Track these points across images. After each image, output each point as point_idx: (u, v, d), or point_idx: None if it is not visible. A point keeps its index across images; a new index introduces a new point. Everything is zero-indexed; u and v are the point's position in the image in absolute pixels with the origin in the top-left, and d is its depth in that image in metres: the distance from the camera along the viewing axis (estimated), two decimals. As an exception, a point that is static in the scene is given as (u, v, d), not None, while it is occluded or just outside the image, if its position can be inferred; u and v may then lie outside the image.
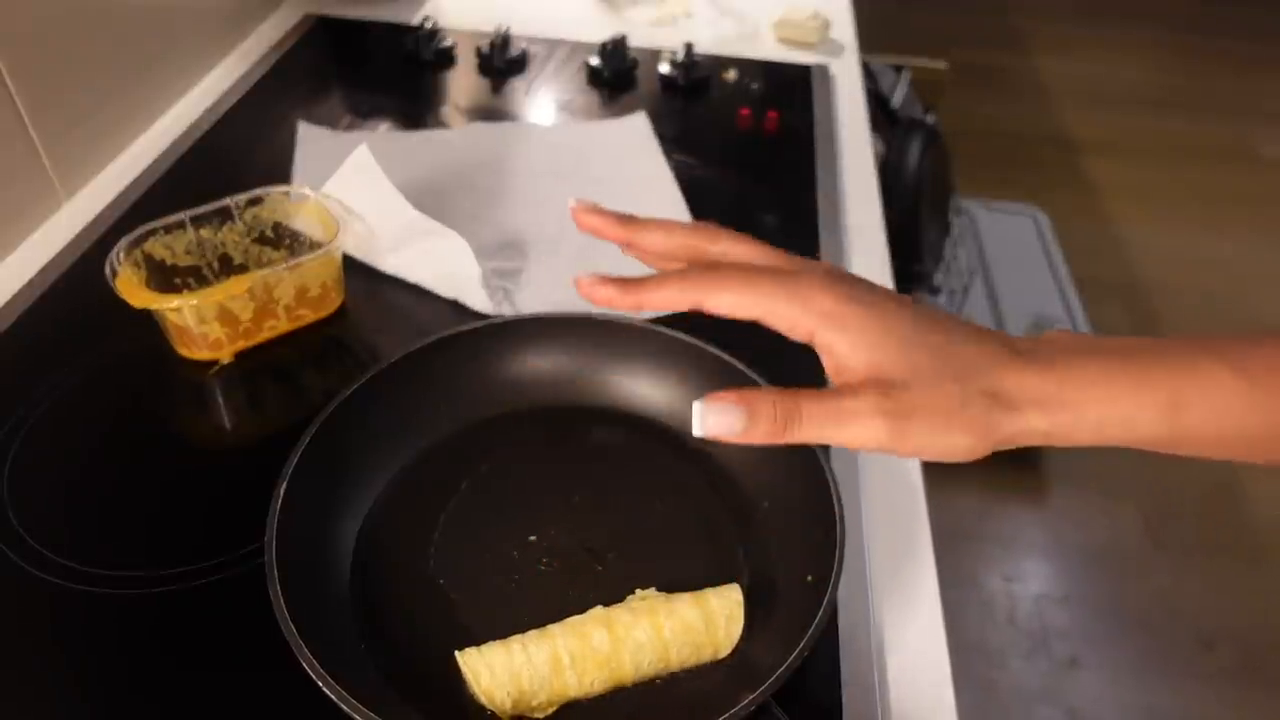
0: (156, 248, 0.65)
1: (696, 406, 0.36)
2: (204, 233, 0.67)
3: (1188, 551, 1.67)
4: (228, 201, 0.68)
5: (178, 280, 0.67)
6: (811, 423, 0.35)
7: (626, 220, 0.42)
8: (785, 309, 0.37)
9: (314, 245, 0.69)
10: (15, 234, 0.75)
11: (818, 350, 0.38)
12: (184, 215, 0.66)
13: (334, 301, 0.69)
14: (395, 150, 0.85)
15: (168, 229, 0.65)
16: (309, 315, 0.68)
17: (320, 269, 0.66)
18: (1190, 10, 3.46)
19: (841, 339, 0.36)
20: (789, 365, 0.68)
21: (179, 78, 0.94)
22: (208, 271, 0.68)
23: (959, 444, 0.36)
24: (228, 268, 0.69)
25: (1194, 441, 0.37)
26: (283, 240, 0.70)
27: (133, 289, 0.60)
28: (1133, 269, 2.28)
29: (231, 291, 0.62)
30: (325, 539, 0.51)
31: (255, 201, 0.69)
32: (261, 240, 0.70)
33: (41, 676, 0.47)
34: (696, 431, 0.36)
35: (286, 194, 0.70)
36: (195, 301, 0.61)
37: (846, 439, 0.36)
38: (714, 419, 0.36)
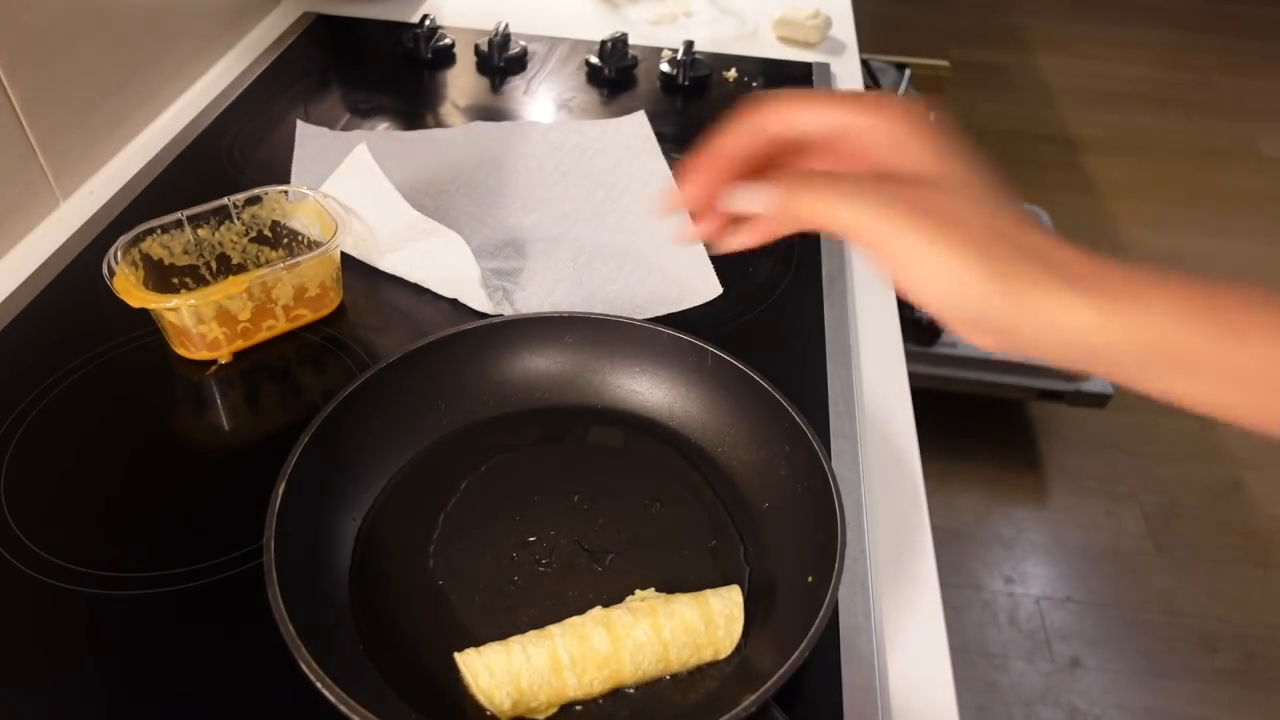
0: (154, 247, 0.65)
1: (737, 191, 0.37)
2: (202, 232, 0.67)
3: (1190, 553, 1.66)
4: (226, 201, 0.67)
5: (175, 280, 0.66)
6: (815, 193, 0.34)
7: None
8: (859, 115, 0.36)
9: (312, 245, 0.69)
10: (11, 234, 0.74)
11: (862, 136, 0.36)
12: (181, 214, 0.66)
13: (332, 301, 0.69)
14: (394, 149, 0.85)
15: (165, 228, 0.65)
16: (307, 315, 0.68)
17: (319, 268, 0.66)
18: (1190, 7, 3.46)
19: (888, 131, 0.35)
20: (794, 363, 0.67)
21: (177, 76, 0.94)
22: (206, 271, 0.68)
23: (968, 276, 0.31)
24: (226, 267, 0.69)
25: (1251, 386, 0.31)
26: (281, 240, 0.70)
27: (130, 289, 0.60)
28: (1133, 268, 2.28)
29: (229, 291, 0.62)
30: (325, 539, 0.51)
31: (253, 201, 0.68)
32: (260, 240, 0.70)
33: (39, 678, 0.47)
34: (734, 204, 0.37)
35: (285, 193, 0.69)
36: (193, 301, 0.61)
37: (842, 219, 0.33)
38: (745, 197, 0.36)
